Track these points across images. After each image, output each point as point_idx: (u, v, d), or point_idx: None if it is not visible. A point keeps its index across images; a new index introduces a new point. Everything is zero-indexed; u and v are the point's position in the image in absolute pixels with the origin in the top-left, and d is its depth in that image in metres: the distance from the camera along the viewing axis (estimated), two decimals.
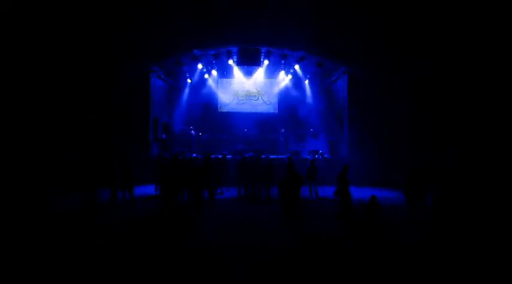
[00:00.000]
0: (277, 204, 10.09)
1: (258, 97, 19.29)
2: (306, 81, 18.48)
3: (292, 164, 8.72)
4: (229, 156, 13.92)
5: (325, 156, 15.31)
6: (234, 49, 15.63)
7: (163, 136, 16.46)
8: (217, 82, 19.01)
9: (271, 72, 18.59)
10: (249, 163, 11.38)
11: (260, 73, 18.32)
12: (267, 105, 19.30)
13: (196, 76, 17.99)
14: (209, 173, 10.27)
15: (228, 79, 19.04)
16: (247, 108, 19.23)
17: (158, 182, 10.93)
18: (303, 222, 8.43)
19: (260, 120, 18.60)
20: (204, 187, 10.13)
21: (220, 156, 12.60)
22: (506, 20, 12.48)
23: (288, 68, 17.56)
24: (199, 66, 16.74)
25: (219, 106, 19.20)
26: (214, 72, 18.13)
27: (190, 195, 9.92)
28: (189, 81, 18.23)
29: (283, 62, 16.58)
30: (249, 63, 16.16)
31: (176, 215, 9.08)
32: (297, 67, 17.01)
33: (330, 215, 9.05)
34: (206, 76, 18.23)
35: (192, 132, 16.98)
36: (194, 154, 14.94)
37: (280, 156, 14.71)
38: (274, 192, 11.25)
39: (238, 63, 16.41)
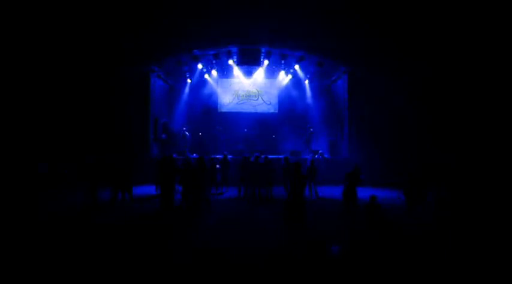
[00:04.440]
0: (277, 204, 10.10)
1: (258, 97, 19.28)
2: (306, 81, 18.49)
3: (299, 164, 8.54)
4: (230, 156, 13.91)
5: (325, 156, 15.31)
6: (234, 49, 15.63)
7: (163, 136, 16.45)
8: (217, 82, 19.00)
9: (271, 72, 18.60)
10: (249, 163, 11.37)
11: (260, 73, 18.32)
12: (267, 105, 19.29)
13: (196, 76, 17.97)
14: (203, 174, 10.23)
15: (228, 79, 19.03)
16: (247, 108, 19.21)
17: (158, 182, 10.90)
18: (304, 223, 8.40)
19: (260, 120, 18.60)
20: (203, 187, 10.10)
21: (221, 156, 12.60)
22: (506, 21, 12.47)
23: (288, 68, 17.56)
24: (199, 66, 16.74)
25: (219, 106, 19.19)
26: (214, 72, 18.12)
27: (190, 195, 9.89)
28: (189, 81, 18.21)
29: (283, 61, 16.58)
30: (249, 63, 16.17)
31: (176, 216, 9.07)
32: (297, 67, 17.01)
33: (330, 216, 9.05)
34: (206, 76, 18.21)
35: (186, 133, 16.88)
36: (195, 155, 14.94)
37: (280, 156, 14.70)
38: (275, 192, 11.31)
39: (238, 63, 16.41)
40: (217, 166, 12.05)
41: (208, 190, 10.44)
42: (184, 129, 16.87)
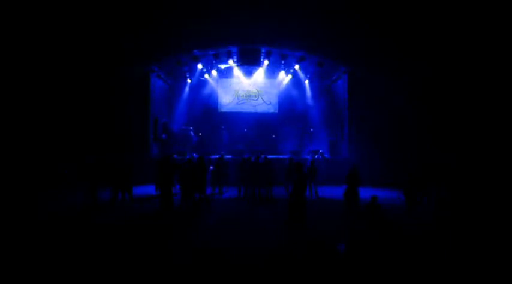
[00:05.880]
0: (277, 204, 10.09)
1: (258, 97, 19.29)
2: (306, 81, 18.49)
3: (301, 165, 8.53)
4: (229, 156, 13.91)
5: (325, 156, 15.31)
6: (234, 49, 15.63)
7: (163, 136, 16.46)
8: (217, 82, 19.01)
9: (271, 72, 18.60)
10: (248, 163, 11.37)
11: (260, 73, 18.31)
12: (267, 105, 19.30)
13: (196, 76, 17.98)
14: (204, 173, 10.23)
15: (228, 79, 19.03)
16: (247, 108, 19.22)
17: (158, 182, 10.89)
18: (304, 223, 8.39)
19: (260, 120, 18.60)
20: (202, 187, 10.11)
21: (220, 156, 12.59)
22: (506, 21, 12.46)
23: (288, 68, 17.55)
24: (199, 66, 16.75)
25: (219, 106, 19.20)
26: (214, 72, 18.13)
27: (189, 195, 9.90)
28: (189, 81, 18.22)
29: (283, 61, 16.58)
30: (249, 63, 16.17)
31: (176, 216, 9.07)
32: (297, 67, 17.00)
33: (330, 216, 9.05)
34: (206, 76, 18.22)
35: (191, 132, 16.94)
36: (195, 155, 14.93)
37: (280, 156, 14.70)
38: (275, 192, 11.30)
39: (238, 63, 16.41)
40: (211, 167, 12.05)
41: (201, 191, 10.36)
42: (190, 128, 16.95)
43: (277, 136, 18.09)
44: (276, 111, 19.26)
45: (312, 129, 17.63)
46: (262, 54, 15.94)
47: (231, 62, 16.69)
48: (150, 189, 11.91)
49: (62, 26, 13.39)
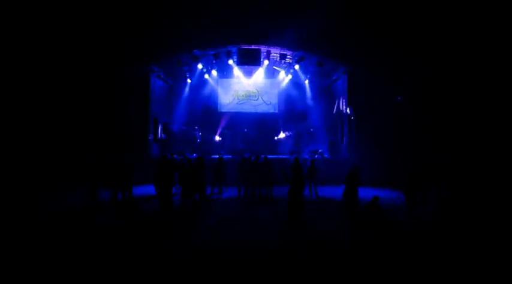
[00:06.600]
0: (277, 204, 10.10)
1: (258, 97, 19.29)
2: (306, 81, 18.49)
3: (300, 165, 8.50)
4: (229, 156, 13.88)
5: (325, 156, 15.31)
6: (234, 49, 15.64)
7: (163, 136, 16.47)
8: (217, 82, 19.01)
9: (271, 72, 18.59)
10: (248, 163, 11.37)
11: (260, 73, 18.32)
12: (267, 105, 19.30)
13: (196, 76, 17.99)
14: (204, 173, 10.22)
15: (228, 79, 19.04)
16: (247, 108, 19.23)
17: (156, 182, 10.85)
18: (304, 223, 8.39)
19: (260, 120, 18.61)
20: (202, 187, 10.10)
21: (219, 156, 12.60)
22: (507, 21, 12.45)
23: (288, 68, 17.55)
24: (199, 66, 16.75)
25: (219, 106, 19.20)
26: (214, 72, 18.13)
27: (189, 195, 9.89)
28: (189, 81, 18.23)
29: (283, 61, 16.56)
30: (249, 63, 16.16)
31: (176, 216, 9.07)
32: (297, 67, 17.00)
33: (330, 216, 9.05)
34: (206, 76, 18.23)
35: (196, 132, 16.97)
36: (195, 154, 14.94)
37: (280, 156, 14.70)
38: (276, 192, 11.29)
39: (238, 63, 16.41)
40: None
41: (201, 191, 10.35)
42: (195, 128, 16.97)
43: (277, 136, 18.09)
44: (276, 111, 19.26)
45: (312, 129, 17.62)
46: (262, 54, 15.94)
47: (231, 62, 16.69)
48: (150, 189, 11.86)
49: (62, 26, 13.38)
